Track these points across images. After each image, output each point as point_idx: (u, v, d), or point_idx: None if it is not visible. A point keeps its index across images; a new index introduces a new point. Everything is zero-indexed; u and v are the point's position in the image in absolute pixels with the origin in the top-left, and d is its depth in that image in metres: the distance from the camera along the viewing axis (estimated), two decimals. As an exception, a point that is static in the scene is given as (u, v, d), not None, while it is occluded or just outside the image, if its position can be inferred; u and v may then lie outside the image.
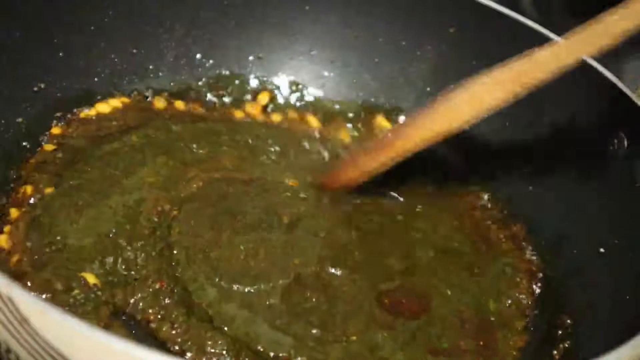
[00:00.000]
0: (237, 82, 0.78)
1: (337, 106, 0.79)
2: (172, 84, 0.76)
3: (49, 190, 0.62)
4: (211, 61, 0.78)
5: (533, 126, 0.71)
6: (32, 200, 0.61)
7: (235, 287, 0.58)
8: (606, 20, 0.55)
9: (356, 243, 0.65)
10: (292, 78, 0.79)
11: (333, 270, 0.61)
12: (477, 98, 0.59)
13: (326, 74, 0.80)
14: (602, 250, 0.62)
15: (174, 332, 0.55)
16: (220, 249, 0.61)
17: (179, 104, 0.76)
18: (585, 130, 0.67)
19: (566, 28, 0.58)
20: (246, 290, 0.58)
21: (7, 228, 0.59)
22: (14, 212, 0.61)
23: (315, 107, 0.79)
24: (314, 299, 0.59)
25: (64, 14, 0.68)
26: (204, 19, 0.76)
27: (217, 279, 0.58)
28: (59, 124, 0.69)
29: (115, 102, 0.73)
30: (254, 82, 0.79)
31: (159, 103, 0.75)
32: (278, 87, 0.79)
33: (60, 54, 0.69)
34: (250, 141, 0.73)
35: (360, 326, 0.58)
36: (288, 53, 0.79)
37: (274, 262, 0.61)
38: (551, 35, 0.70)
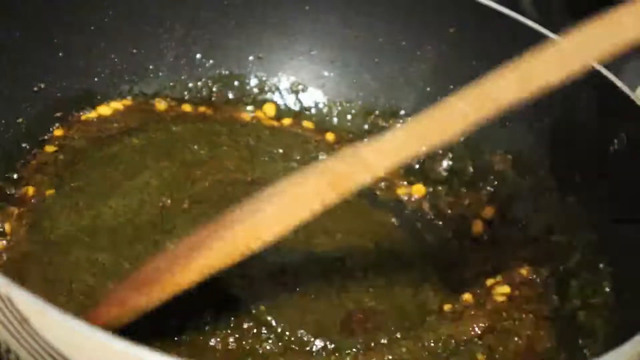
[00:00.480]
0: (237, 82, 0.78)
1: (337, 107, 0.79)
2: (172, 84, 0.76)
3: (49, 192, 0.62)
4: (211, 61, 0.78)
5: (533, 126, 0.71)
6: (33, 201, 0.62)
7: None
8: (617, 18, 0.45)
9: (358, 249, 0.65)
10: (292, 78, 0.79)
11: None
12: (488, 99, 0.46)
13: (326, 74, 0.80)
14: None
15: None
16: None
17: (180, 105, 0.76)
18: (585, 130, 0.67)
19: (566, 28, 0.58)
20: None
21: (7, 229, 0.60)
22: (14, 212, 0.61)
23: (314, 107, 0.79)
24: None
25: (64, 14, 0.68)
26: (204, 19, 0.76)
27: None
28: (61, 126, 0.69)
29: (116, 104, 0.73)
30: (254, 82, 0.79)
31: (160, 104, 0.75)
32: (278, 89, 0.79)
33: (60, 54, 0.69)
34: (251, 142, 0.73)
35: None
36: (288, 53, 0.79)
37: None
38: (551, 35, 0.70)
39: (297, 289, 0.60)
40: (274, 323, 0.56)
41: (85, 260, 0.58)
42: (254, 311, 0.57)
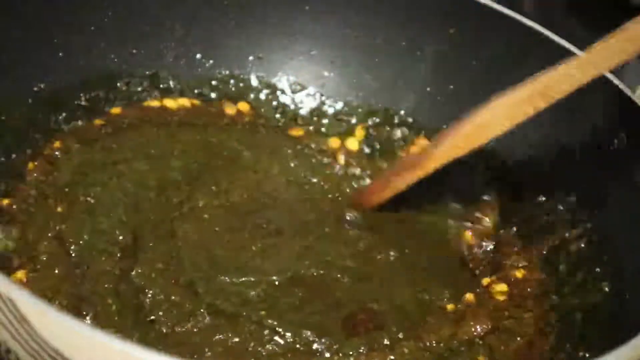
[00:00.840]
0: (237, 82, 0.78)
1: (337, 107, 0.79)
2: (171, 84, 0.76)
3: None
4: (211, 61, 0.78)
5: (532, 126, 0.71)
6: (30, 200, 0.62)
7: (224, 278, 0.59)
8: (630, 30, 0.54)
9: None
10: (292, 78, 0.80)
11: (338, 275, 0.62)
12: (504, 115, 0.60)
13: (326, 74, 0.80)
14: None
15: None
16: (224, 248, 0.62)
17: (180, 104, 0.76)
18: (585, 130, 0.67)
19: (566, 28, 0.59)
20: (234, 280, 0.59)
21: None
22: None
23: (314, 107, 0.79)
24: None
25: (64, 14, 0.69)
26: (204, 19, 0.76)
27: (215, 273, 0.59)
28: (60, 126, 0.69)
29: (117, 105, 0.73)
30: (254, 82, 0.79)
31: (160, 104, 0.75)
32: (278, 89, 0.79)
33: (60, 54, 0.69)
34: (251, 141, 0.73)
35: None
36: (288, 53, 0.79)
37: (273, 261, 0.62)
38: (551, 35, 0.70)
39: (297, 291, 0.60)
40: (276, 325, 0.57)
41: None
42: (254, 317, 0.57)
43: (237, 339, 0.56)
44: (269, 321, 0.57)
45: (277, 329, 0.57)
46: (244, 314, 0.57)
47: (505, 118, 0.60)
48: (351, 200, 0.71)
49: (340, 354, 0.56)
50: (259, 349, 0.56)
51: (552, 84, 0.58)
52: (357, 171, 0.74)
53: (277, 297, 0.59)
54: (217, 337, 0.56)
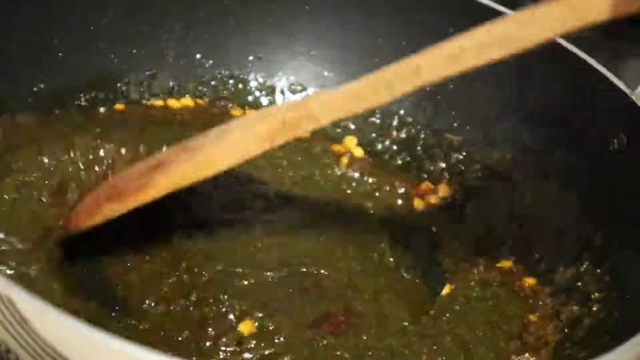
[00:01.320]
0: (237, 82, 0.79)
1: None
2: (171, 84, 0.76)
3: None
4: (211, 61, 0.78)
5: (532, 126, 0.71)
6: None
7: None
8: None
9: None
10: (292, 78, 0.80)
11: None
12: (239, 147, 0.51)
13: (326, 74, 0.80)
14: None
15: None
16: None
17: (179, 104, 0.76)
18: (585, 130, 0.67)
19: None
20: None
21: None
22: None
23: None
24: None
25: (64, 14, 0.69)
26: (204, 19, 0.76)
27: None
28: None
29: (117, 105, 0.73)
30: (253, 82, 0.79)
31: (160, 104, 0.75)
32: (278, 89, 0.79)
33: (60, 54, 0.69)
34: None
35: None
36: (288, 53, 0.79)
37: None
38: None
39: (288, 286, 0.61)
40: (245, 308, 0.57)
41: None
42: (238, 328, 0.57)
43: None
44: (241, 306, 0.57)
45: (243, 308, 0.57)
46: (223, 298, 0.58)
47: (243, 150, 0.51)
48: (63, 221, 0.59)
49: (293, 342, 0.56)
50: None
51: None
52: (357, 174, 0.74)
53: (265, 289, 0.59)
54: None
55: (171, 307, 0.56)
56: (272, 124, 0.50)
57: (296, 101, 0.53)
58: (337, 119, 0.51)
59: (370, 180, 0.74)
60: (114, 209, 0.53)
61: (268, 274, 0.61)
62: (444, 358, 0.57)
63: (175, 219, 0.63)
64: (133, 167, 0.57)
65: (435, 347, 0.57)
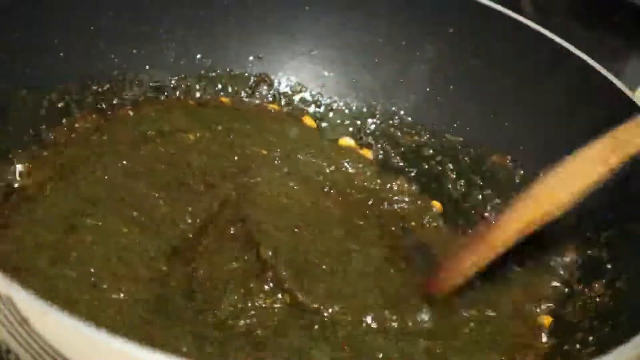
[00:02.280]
0: (236, 82, 0.78)
1: (337, 107, 0.79)
2: (172, 84, 0.76)
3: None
4: (211, 61, 0.78)
5: (533, 127, 0.71)
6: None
7: None
8: None
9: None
10: (292, 78, 0.80)
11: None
12: (577, 175, 0.55)
13: (326, 74, 0.80)
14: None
15: None
16: None
17: (179, 104, 0.76)
18: (585, 130, 0.67)
19: (566, 28, 0.58)
20: None
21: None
22: None
23: (314, 107, 0.79)
24: None
25: (64, 14, 0.68)
26: (204, 19, 0.76)
27: None
28: (60, 125, 0.69)
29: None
30: (254, 82, 0.79)
31: (159, 104, 0.75)
32: (278, 89, 0.79)
33: (60, 54, 0.69)
34: (250, 140, 0.74)
35: None
36: (288, 53, 0.79)
37: None
38: (551, 35, 0.70)
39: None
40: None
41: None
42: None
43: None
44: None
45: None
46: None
47: (579, 180, 0.55)
48: (423, 290, 0.62)
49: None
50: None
51: (626, 139, 0.54)
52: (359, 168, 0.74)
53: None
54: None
55: None
56: (603, 148, 0.54)
57: (630, 122, 0.53)
58: None
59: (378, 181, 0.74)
60: (475, 264, 0.58)
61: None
62: None
63: None
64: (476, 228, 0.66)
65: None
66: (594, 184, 0.55)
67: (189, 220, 0.63)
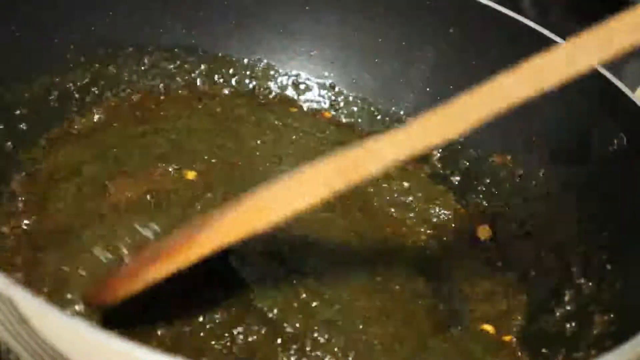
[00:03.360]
0: (236, 82, 0.79)
1: (337, 107, 0.79)
2: (172, 83, 0.76)
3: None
4: (211, 61, 0.78)
5: (533, 127, 0.71)
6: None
7: None
8: (613, 27, 0.45)
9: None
10: (292, 78, 0.80)
11: None
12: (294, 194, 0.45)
13: (326, 74, 0.80)
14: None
15: None
16: None
17: (179, 104, 0.76)
18: (585, 130, 0.67)
19: (566, 28, 0.58)
20: None
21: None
22: None
23: (314, 107, 0.79)
24: None
25: (64, 14, 0.69)
26: (204, 19, 0.77)
27: None
28: (61, 125, 0.69)
29: (114, 104, 0.73)
30: (254, 82, 0.79)
31: (159, 103, 0.75)
32: (278, 89, 0.79)
33: (60, 54, 0.69)
34: (251, 140, 0.74)
35: None
36: (288, 53, 0.79)
37: None
38: (551, 35, 0.70)
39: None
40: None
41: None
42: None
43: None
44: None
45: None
46: None
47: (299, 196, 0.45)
48: (86, 294, 0.54)
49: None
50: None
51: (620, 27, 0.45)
52: None
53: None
54: None
55: None
56: (328, 169, 0.45)
57: (355, 144, 0.45)
58: (406, 157, 0.45)
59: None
60: (159, 272, 0.48)
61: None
62: None
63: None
64: (179, 229, 0.53)
65: None
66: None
67: None
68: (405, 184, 0.73)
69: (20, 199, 0.61)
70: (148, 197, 0.63)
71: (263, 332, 0.56)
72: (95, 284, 0.54)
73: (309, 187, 0.45)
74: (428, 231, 0.69)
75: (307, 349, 0.55)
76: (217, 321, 0.56)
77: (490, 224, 0.71)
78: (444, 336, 0.59)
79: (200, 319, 0.56)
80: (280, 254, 0.62)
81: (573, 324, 0.59)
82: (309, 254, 0.63)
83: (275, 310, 0.57)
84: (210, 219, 0.48)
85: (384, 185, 0.72)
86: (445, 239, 0.69)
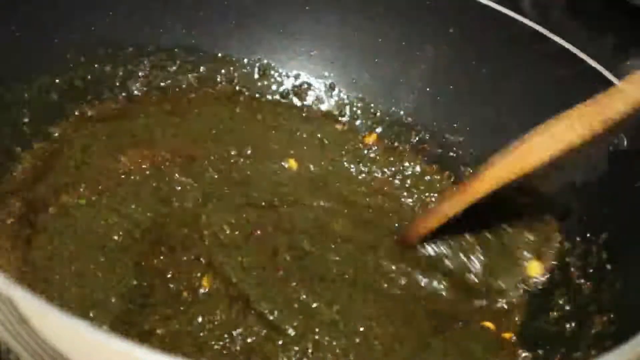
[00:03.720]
0: (236, 81, 0.79)
1: (337, 106, 0.79)
2: (171, 83, 0.76)
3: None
4: (211, 61, 0.78)
5: (532, 127, 0.71)
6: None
7: None
8: None
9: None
10: (292, 78, 0.80)
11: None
12: (555, 137, 0.58)
13: (326, 74, 0.80)
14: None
15: None
16: None
17: (179, 103, 0.76)
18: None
19: (566, 28, 0.58)
20: None
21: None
22: None
23: (314, 107, 0.79)
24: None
25: (64, 14, 0.69)
26: (204, 19, 0.76)
27: None
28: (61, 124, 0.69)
29: (112, 104, 0.73)
30: (253, 82, 0.79)
31: (159, 103, 0.75)
32: (278, 89, 0.79)
33: (61, 54, 0.69)
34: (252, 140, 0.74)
35: None
36: (288, 53, 0.79)
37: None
38: (551, 35, 0.70)
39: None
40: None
41: None
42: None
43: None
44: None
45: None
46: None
47: (556, 141, 0.57)
48: (398, 239, 0.67)
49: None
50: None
51: (605, 104, 0.56)
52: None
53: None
54: None
55: None
56: (585, 107, 0.55)
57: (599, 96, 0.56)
58: None
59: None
60: (452, 208, 0.62)
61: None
62: None
63: None
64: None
65: None
66: (574, 145, 0.57)
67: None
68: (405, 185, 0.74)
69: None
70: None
71: (263, 334, 0.56)
72: (406, 227, 0.67)
73: (570, 130, 0.56)
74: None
75: (309, 350, 0.56)
76: (217, 322, 0.56)
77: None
78: (444, 336, 0.59)
79: (200, 319, 0.56)
80: (280, 254, 0.62)
81: (573, 324, 0.59)
82: (309, 254, 0.63)
83: (275, 312, 0.57)
84: (489, 163, 0.60)
85: (385, 186, 0.73)
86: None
